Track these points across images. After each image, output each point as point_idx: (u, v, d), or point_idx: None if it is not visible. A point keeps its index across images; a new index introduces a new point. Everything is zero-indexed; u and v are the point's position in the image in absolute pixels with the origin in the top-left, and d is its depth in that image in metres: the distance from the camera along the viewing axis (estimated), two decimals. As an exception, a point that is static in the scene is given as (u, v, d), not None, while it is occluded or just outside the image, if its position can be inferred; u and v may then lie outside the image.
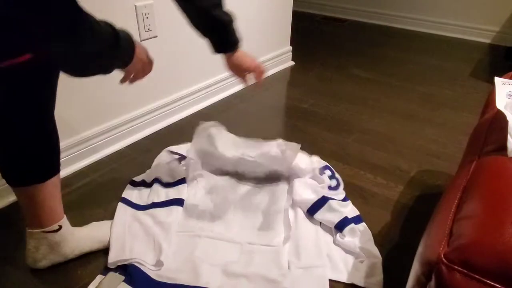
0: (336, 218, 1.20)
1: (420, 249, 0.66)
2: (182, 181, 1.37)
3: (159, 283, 1.01)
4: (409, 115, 1.96)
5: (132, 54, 0.90)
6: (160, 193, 1.32)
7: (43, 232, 1.02)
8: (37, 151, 0.94)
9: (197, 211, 1.27)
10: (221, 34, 1.14)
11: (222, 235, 1.18)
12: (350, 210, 1.28)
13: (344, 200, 1.32)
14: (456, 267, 0.55)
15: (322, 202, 1.25)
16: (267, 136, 1.74)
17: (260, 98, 2.12)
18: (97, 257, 1.11)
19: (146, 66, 0.99)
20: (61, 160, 1.41)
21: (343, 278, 1.06)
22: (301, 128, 1.81)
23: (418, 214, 1.30)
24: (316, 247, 1.13)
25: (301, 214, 1.25)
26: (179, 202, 1.28)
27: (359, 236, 1.17)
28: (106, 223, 1.19)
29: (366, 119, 1.91)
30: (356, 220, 1.24)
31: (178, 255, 1.10)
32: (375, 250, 1.14)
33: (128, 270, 1.04)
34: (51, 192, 1.00)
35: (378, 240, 1.19)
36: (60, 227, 1.04)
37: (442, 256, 0.57)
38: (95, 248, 1.12)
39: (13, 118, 0.87)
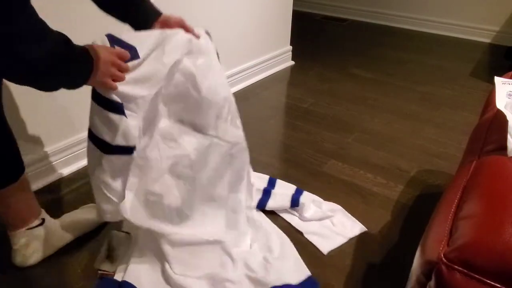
0: (285, 202, 1.30)
1: (420, 249, 0.66)
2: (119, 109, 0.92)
3: None
4: (409, 115, 1.96)
5: (90, 68, 0.80)
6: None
7: (28, 229, 1.03)
8: (7, 152, 0.95)
9: (162, 207, 1.06)
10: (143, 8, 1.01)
11: (195, 237, 1.10)
12: (288, 188, 1.39)
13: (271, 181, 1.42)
14: (456, 266, 0.55)
15: (266, 196, 1.33)
16: (267, 135, 1.74)
17: (260, 98, 2.12)
18: (99, 254, 1.11)
19: (117, 64, 0.87)
20: (62, 159, 1.43)
21: (333, 244, 1.18)
22: (301, 128, 1.81)
23: (418, 214, 1.30)
24: (279, 237, 1.20)
25: (255, 212, 1.29)
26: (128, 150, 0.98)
27: (311, 202, 1.30)
28: (87, 207, 1.23)
29: (366, 119, 1.91)
30: (298, 192, 1.36)
31: (158, 276, 1.06)
32: (332, 204, 1.32)
33: None
34: (24, 190, 1.02)
35: (378, 240, 1.19)
36: (43, 220, 1.07)
37: (442, 255, 0.57)
38: (82, 232, 1.15)
39: None
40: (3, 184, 0.96)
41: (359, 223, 1.25)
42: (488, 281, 0.53)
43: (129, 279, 1.04)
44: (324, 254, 1.15)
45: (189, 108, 1.05)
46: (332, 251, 1.16)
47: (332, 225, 1.25)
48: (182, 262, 1.07)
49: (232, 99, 1.13)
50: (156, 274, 1.07)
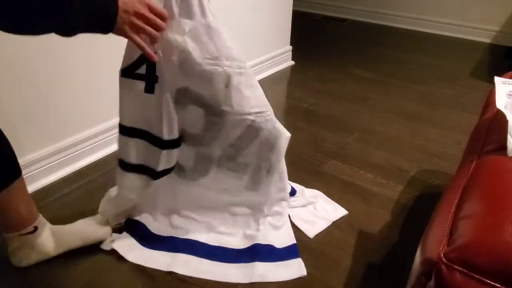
0: None
1: (420, 249, 0.66)
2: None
3: (156, 235, 1.17)
4: (409, 115, 1.96)
5: (111, 11, 0.71)
6: None
7: (20, 235, 1.02)
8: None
9: (178, 168, 1.16)
10: None
11: (204, 198, 1.22)
12: None
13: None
14: (456, 266, 0.55)
15: None
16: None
17: (260, 98, 2.12)
18: (100, 254, 1.11)
19: (144, 16, 0.78)
20: (62, 159, 1.43)
21: (318, 228, 1.23)
22: (301, 128, 1.81)
23: (418, 214, 1.30)
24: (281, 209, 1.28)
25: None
26: None
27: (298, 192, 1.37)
28: (91, 220, 1.18)
29: (366, 119, 1.91)
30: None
31: (169, 213, 1.23)
32: (313, 190, 1.39)
33: (130, 224, 1.19)
34: (19, 195, 0.98)
35: (378, 240, 1.19)
36: (36, 228, 1.04)
37: (442, 255, 0.57)
38: (79, 245, 1.11)
39: None
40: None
41: (340, 206, 1.32)
42: (488, 281, 0.53)
43: (139, 218, 1.21)
44: (310, 239, 1.20)
45: (193, 79, 0.97)
46: (332, 251, 1.16)
47: (315, 210, 1.30)
48: (190, 208, 1.23)
49: (240, 57, 0.99)
50: (163, 219, 1.22)
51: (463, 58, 2.77)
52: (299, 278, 1.07)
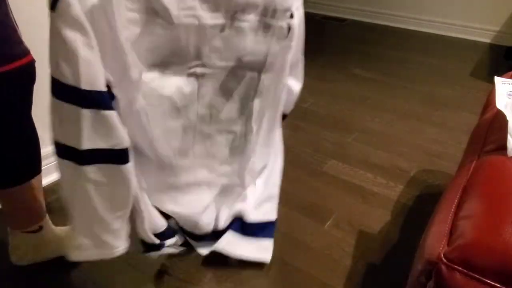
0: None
1: (420, 249, 0.66)
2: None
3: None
4: (409, 115, 1.96)
5: None
6: None
7: (23, 232, 1.02)
8: (15, 153, 0.91)
9: (155, 157, 0.88)
10: None
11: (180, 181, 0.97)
12: None
13: None
14: (456, 266, 0.55)
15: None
16: (267, 135, 1.74)
17: (260, 98, 2.12)
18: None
19: None
20: (61, 159, 1.42)
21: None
22: (301, 127, 1.81)
23: (418, 214, 1.31)
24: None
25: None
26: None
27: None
28: None
29: (366, 119, 1.91)
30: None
31: None
32: None
33: None
34: (31, 194, 0.98)
35: (378, 240, 1.19)
36: (41, 227, 1.03)
37: (442, 255, 0.57)
38: None
39: None
40: (3, 185, 0.94)
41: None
42: (488, 281, 0.53)
43: None
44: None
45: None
46: (332, 251, 1.16)
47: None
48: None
49: None
50: None
51: (463, 58, 2.77)
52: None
